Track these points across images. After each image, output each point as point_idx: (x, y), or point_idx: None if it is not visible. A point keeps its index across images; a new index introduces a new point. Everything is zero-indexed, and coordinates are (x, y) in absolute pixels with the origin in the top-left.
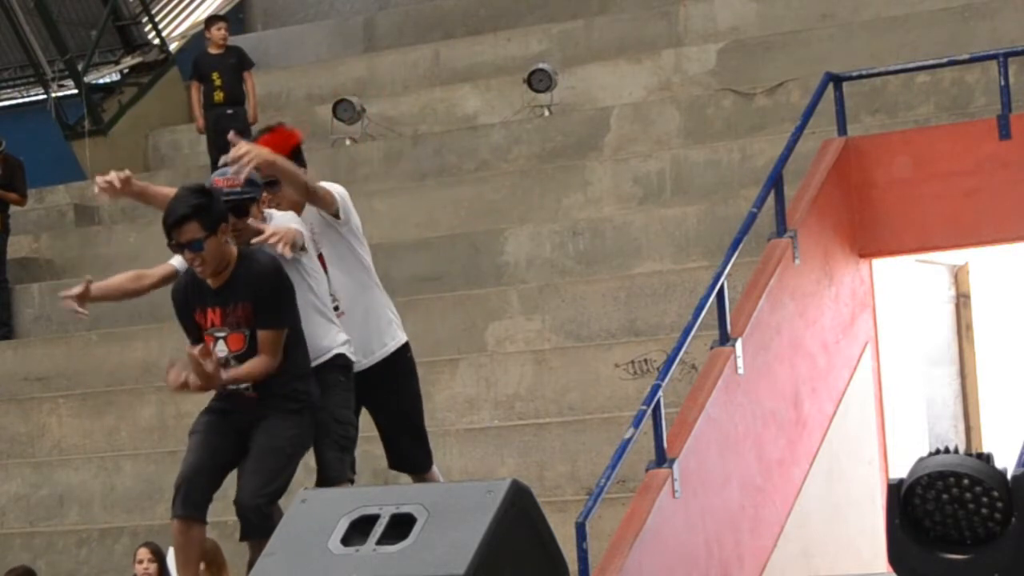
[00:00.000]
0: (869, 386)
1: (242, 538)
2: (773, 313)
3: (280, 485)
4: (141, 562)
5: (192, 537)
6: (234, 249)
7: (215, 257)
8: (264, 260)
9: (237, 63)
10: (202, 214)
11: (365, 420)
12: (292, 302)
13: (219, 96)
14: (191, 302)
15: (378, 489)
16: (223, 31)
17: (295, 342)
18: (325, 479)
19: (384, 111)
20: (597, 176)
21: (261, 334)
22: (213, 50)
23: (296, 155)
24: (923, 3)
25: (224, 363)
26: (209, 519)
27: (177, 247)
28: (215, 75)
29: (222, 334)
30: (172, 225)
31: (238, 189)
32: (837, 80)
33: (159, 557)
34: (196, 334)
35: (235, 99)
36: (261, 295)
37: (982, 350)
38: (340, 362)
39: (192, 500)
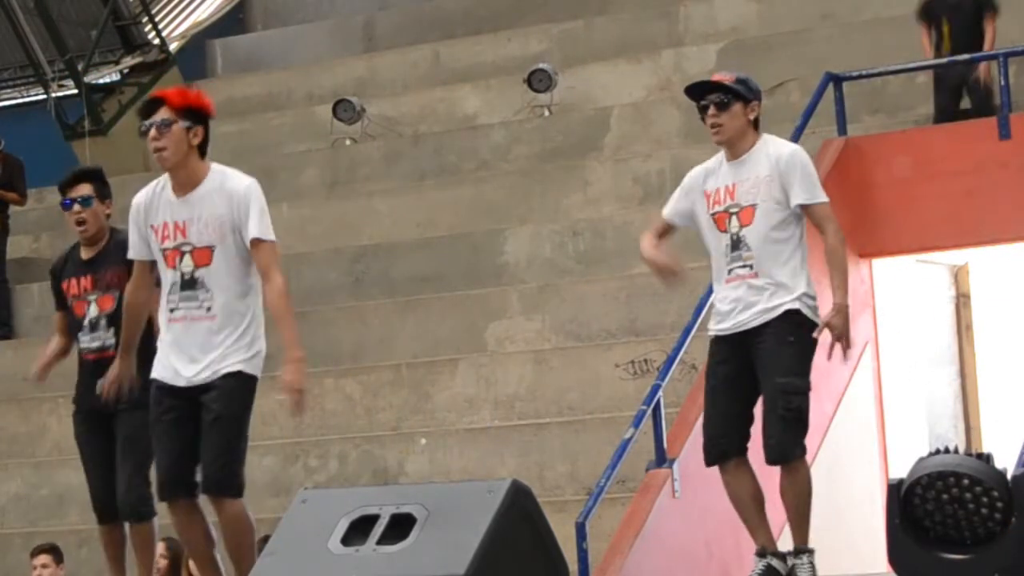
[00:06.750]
0: (869, 386)
1: None
2: None
3: None
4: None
5: None
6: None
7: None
8: None
9: (974, 7)
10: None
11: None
12: None
13: (947, 46)
14: None
15: (378, 489)
16: None
17: None
18: None
19: (384, 111)
20: (597, 176)
21: None
22: None
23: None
24: None
25: None
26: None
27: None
28: (944, 21)
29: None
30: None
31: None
32: (837, 80)
33: (171, 552)
34: None
35: (965, 48)
36: None
37: (982, 350)
38: None
39: None
